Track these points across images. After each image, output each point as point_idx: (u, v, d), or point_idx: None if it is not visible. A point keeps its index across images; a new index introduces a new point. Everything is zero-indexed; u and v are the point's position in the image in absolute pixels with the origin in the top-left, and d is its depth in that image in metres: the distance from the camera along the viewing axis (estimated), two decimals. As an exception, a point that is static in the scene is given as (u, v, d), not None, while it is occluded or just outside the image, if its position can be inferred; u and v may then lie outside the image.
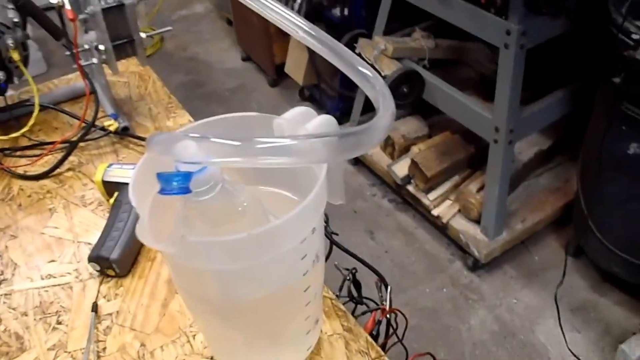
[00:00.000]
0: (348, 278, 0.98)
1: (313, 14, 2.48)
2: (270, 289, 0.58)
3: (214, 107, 2.97)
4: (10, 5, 1.05)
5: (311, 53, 2.55)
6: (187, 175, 0.49)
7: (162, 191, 0.48)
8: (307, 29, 0.60)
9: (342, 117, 2.66)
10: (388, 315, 0.95)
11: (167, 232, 0.55)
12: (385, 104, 0.52)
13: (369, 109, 2.51)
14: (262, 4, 0.63)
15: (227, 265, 0.53)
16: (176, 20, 3.74)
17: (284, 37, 2.78)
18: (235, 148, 0.48)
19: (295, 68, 2.80)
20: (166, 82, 1.31)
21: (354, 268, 1.01)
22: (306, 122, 0.60)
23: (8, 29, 1.04)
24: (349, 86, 2.57)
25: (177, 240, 0.50)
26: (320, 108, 2.84)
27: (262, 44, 2.97)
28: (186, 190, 0.49)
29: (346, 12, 2.45)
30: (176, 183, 0.48)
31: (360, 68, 0.57)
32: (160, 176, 0.48)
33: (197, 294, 0.61)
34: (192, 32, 3.62)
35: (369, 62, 2.13)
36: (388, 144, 2.35)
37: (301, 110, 0.62)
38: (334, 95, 2.70)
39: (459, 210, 2.12)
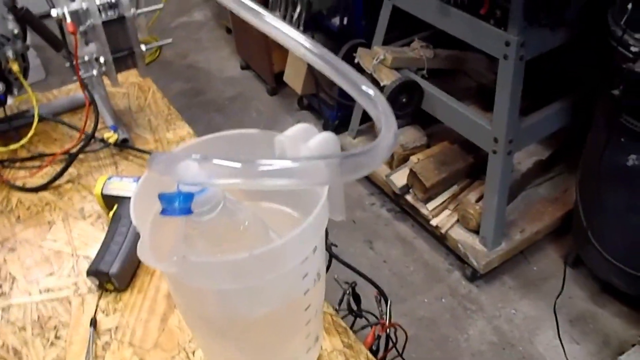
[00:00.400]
0: (347, 292, 0.98)
1: (312, 24, 2.48)
2: (271, 308, 0.58)
3: (213, 115, 2.97)
4: (11, 17, 1.05)
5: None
6: (189, 196, 0.48)
7: (164, 212, 0.48)
8: (308, 45, 0.60)
9: (341, 126, 2.66)
10: (388, 330, 0.95)
11: (168, 251, 0.55)
12: (387, 123, 0.53)
13: (367, 118, 2.51)
14: (262, 20, 0.63)
15: (228, 284, 0.53)
16: (175, 28, 3.74)
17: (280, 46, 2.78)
18: (237, 170, 0.48)
19: (294, 77, 2.80)
20: (165, 90, 1.31)
21: (354, 282, 1.01)
22: (307, 139, 0.60)
23: (8, 40, 1.04)
24: (347, 96, 2.52)
25: (179, 260, 0.50)
26: (319, 117, 2.85)
27: (261, 52, 2.98)
28: (188, 211, 0.48)
29: (345, 21, 2.45)
30: (178, 204, 0.47)
31: (363, 87, 0.57)
32: (162, 197, 0.47)
33: (196, 312, 0.60)
34: (192, 40, 3.62)
35: (368, 71, 2.14)
36: (387, 154, 2.35)
37: (302, 127, 0.62)
38: (333, 105, 2.71)
39: (458, 220, 2.12)
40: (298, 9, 2.43)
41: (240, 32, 3.18)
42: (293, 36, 0.61)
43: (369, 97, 0.56)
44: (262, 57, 3.00)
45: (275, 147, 0.62)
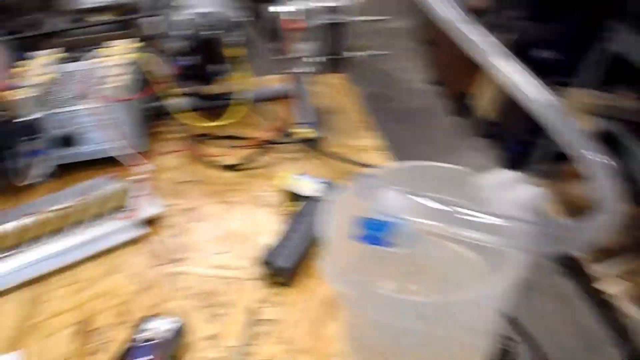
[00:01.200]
0: (509, 348, 0.92)
1: (518, 52, 2.39)
2: (440, 357, 0.55)
3: (391, 123, 2.97)
4: (240, 5, 1.12)
5: (502, 91, 2.46)
6: (390, 227, 0.48)
7: (365, 239, 0.47)
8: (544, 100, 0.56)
9: (515, 162, 2.54)
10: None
11: (342, 269, 0.55)
12: (609, 204, 0.47)
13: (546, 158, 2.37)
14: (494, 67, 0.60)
15: (406, 324, 0.52)
16: (374, 33, 3.79)
17: (475, 68, 2.71)
18: (442, 213, 0.46)
19: (482, 101, 2.73)
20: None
21: (514, 340, 0.95)
22: (514, 188, 0.57)
23: (234, 26, 1.11)
24: (532, 132, 2.44)
25: (359, 285, 0.49)
26: (494, 146, 2.74)
27: (452, 71, 2.93)
28: (386, 243, 0.48)
29: (549, 55, 2.33)
30: (378, 233, 0.47)
31: (586, 153, 0.51)
32: (364, 223, 0.47)
33: (364, 338, 0.60)
34: (387, 47, 3.65)
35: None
36: (564, 202, 2.21)
37: (509, 176, 0.59)
38: (514, 138, 2.59)
39: (632, 294, 1.93)
40: (505, 37, 2.36)
41: (435, 47, 3.16)
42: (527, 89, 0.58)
43: (594, 166, 0.50)
44: (452, 75, 2.96)
45: (476, 190, 0.59)
